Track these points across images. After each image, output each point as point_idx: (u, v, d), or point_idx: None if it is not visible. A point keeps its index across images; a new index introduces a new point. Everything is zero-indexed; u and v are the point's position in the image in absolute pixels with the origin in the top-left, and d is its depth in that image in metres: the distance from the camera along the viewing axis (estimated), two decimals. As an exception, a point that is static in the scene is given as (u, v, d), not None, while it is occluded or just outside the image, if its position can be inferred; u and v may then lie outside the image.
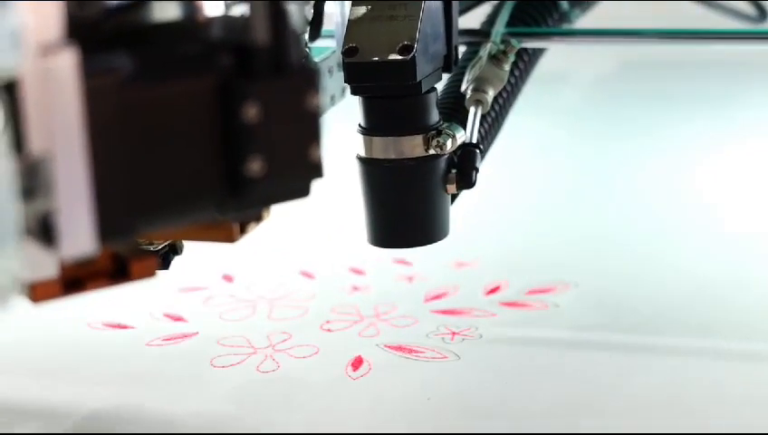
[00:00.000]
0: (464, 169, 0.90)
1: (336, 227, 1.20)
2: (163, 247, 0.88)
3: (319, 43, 0.98)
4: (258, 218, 0.70)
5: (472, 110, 0.94)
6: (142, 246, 0.86)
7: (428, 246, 0.92)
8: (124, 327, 1.00)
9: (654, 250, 1.13)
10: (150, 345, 0.97)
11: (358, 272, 1.09)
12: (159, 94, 0.58)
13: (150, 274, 0.66)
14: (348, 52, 0.87)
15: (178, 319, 1.02)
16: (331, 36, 0.98)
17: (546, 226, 1.22)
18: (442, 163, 0.89)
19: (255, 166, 0.60)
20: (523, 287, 1.04)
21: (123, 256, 0.66)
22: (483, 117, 0.95)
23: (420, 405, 0.85)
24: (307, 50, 0.96)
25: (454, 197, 0.93)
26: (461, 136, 0.90)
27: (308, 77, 0.60)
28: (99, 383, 0.90)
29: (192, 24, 0.61)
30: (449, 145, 0.88)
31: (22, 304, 0.62)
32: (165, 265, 0.89)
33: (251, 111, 0.59)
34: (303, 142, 0.61)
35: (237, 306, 1.04)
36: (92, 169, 0.57)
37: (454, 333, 0.96)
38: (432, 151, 0.88)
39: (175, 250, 0.89)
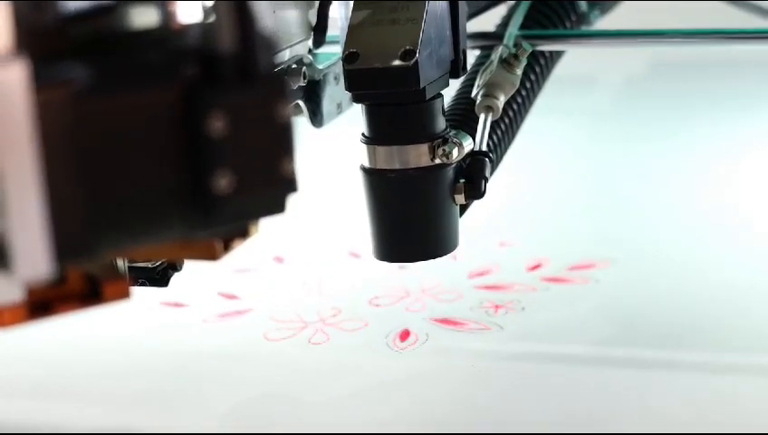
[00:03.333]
0: (472, 178, 0.86)
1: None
2: (161, 264, 0.85)
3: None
4: (244, 234, 0.66)
5: (482, 116, 0.90)
6: (139, 264, 0.85)
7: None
8: (181, 305, 1.04)
9: (680, 256, 1.09)
10: (207, 322, 1.01)
11: None
12: (118, 106, 0.55)
13: (124, 296, 0.63)
14: (348, 58, 0.83)
15: (233, 297, 1.05)
16: (336, 42, 0.94)
17: (570, 226, 1.20)
18: (449, 173, 0.85)
19: (223, 181, 0.56)
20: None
21: (96, 277, 0.63)
22: (495, 124, 0.91)
23: (465, 374, 0.88)
24: (311, 57, 0.93)
25: (464, 208, 0.89)
26: (468, 144, 0.86)
27: (277, 86, 0.56)
28: (161, 354, 0.95)
29: (154, 31, 0.57)
30: (456, 154, 0.84)
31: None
32: (164, 282, 0.86)
33: (217, 123, 0.56)
34: (274, 155, 0.57)
35: (289, 285, 1.08)
36: (47, 187, 0.54)
37: (497, 307, 0.99)
38: (438, 161, 0.85)
39: (174, 266, 0.86)
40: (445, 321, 0.97)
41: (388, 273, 1.06)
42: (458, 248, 1.04)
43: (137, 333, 0.99)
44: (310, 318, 1.00)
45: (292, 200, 0.60)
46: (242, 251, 1.00)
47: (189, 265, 1.02)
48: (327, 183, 1.32)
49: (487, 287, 1.03)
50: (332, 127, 0.95)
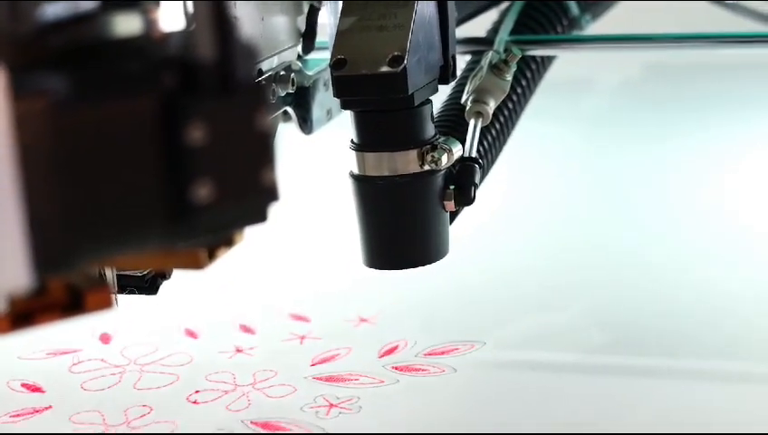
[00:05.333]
0: (462, 184, 0.86)
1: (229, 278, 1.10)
2: (149, 272, 0.85)
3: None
4: (229, 243, 0.66)
5: (472, 122, 0.89)
6: (127, 273, 0.84)
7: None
8: None
9: (676, 264, 1.09)
10: None
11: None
12: (97, 116, 0.54)
13: (106, 306, 0.62)
14: (336, 64, 0.83)
15: (36, 389, 0.93)
16: (325, 48, 0.94)
17: (564, 236, 1.19)
18: (438, 179, 0.85)
19: (203, 191, 0.56)
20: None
21: (78, 287, 0.62)
22: (485, 130, 0.91)
23: None
24: (300, 63, 0.92)
25: (454, 214, 0.89)
26: (458, 150, 0.86)
27: (257, 95, 0.56)
28: None
29: (134, 39, 0.57)
30: (445, 160, 0.84)
31: None
32: (153, 289, 0.86)
33: (196, 133, 0.55)
34: (255, 165, 0.57)
35: (104, 373, 0.95)
36: (26, 197, 0.53)
37: (331, 405, 0.88)
38: (427, 167, 0.84)
39: (163, 275, 0.86)
40: (265, 425, 0.85)
41: (221, 357, 0.96)
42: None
43: None
44: (114, 420, 0.87)
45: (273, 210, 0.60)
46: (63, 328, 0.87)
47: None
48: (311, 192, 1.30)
49: (327, 379, 0.91)
50: (321, 133, 0.95)
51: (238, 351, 0.97)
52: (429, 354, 0.94)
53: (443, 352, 0.94)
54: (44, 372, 0.95)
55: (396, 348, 0.95)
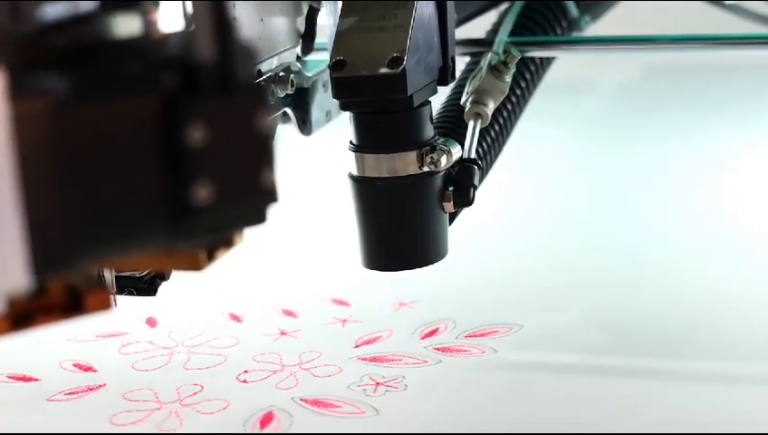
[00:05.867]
0: (461, 186, 0.86)
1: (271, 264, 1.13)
2: (148, 273, 0.85)
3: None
4: (228, 244, 0.66)
5: (471, 123, 0.89)
6: (126, 274, 0.84)
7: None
8: (29, 380, 0.93)
9: (676, 265, 1.09)
10: (51, 400, 0.90)
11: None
12: (97, 117, 0.54)
13: (105, 307, 0.62)
14: (335, 65, 0.83)
15: (88, 369, 0.95)
16: (325, 49, 0.94)
17: (564, 236, 1.19)
18: (437, 181, 0.85)
19: (203, 192, 0.56)
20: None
21: (78, 288, 0.62)
22: (484, 131, 0.91)
23: None
24: (299, 64, 0.92)
25: (453, 215, 0.89)
26: (457, 152, 0.86)
27: (257, 95, 0.56)
28: None
29: (134, 40, 0.57)
30: (444, 162, 0.84)
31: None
32: (152, 290, 0.86)
33: (196, 134, 0.55)
34: (255, 166, 0.57)
35: (154, 354, 0.97)
36: (24, 198, 0.53)
37: (378, 384, 0.89)
38: (426, 168, 0.84)
39: (162, 276, 0.86)
40: (315, 402, 0.87)
41: (266, 340, 0.97)
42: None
43: None
44: (167, 398, 0.89)
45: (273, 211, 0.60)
46: (115, 312, 0.91)
47: (48, 332, 0.93)
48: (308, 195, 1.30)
49: (372, 359, 0.93)
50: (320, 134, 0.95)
51: (282, 333, 0.99)
52: (470, 336, 0.95)
53: (482, 334, 0.96)
54: (95, 353, 0.97)
55: (436, 330, 0.97)
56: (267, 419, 0.85)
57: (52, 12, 0.56)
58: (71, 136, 0.54)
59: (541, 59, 1.00)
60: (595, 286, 1.03)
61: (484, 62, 0.91)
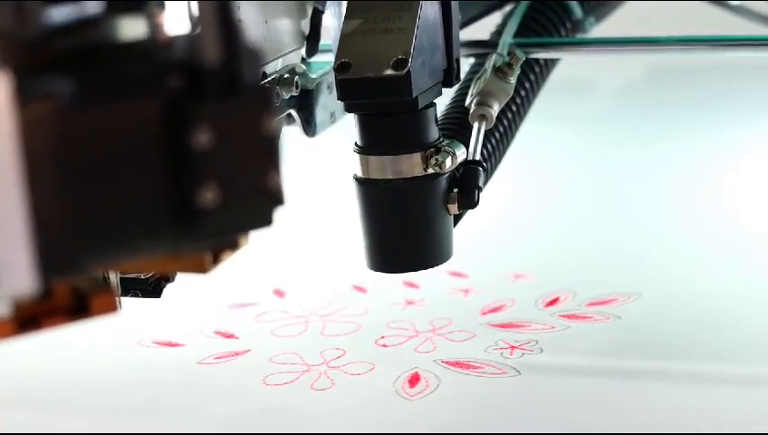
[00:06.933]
0: (466, 188, 0.86)
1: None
2: (153, 275, 0.85)
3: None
4: (234, 246, 0.66)
5: (476, 125, 0.89)
6: (131, 275, 0.84)
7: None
8: (175, 345, 0.98)
9: (679, 266, 1.08)
10: (202, 364, 0.94)
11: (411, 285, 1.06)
12: (103, 120, 0.54)
13: (111, 309, 0.62)
14: (340, 67, 0.82)
15: (230, 336, 0.99)
16: (329, 50, 0.94)
17: (566, 238, 1.19)
18: (442, 182, 0.85)
19: (209, 195, 0.56)
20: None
21: (83, 291, 0.62)
22: (488, 133, 0.91)
23: (481, 423, 0.83)
24: (303, 66, 0.92)
25: (458, 217, 0.89)
26: (461, 153, 0.86)
27: (263, 98, 0.56)
28: (150, 405, 0.88)
29: (140, 43, 0.57)
30: (449, 163, 0.84)
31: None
32: (157, 292, 0.86)
33: (202, 136, 0.55)
34: (261, 168, 0.57)
35: (289, 322, 1.01)
36: (31, 201, 0.53)
37: (513, 347, 0.93)
38: (431, 170, 0.84)
39: (166, 278, 0.86)
40: (457, 363, 0.91)
41: (394, 308, 1.02)
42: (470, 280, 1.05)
43: (124, 376, 0.93)
44: (312, 361, 0.93)
45: (281, 216, 0.60)
46: (240, 283, 1.02)
47: (181, 302, 1.01)
48: (328, 199, 1.30)
49: (502, 326, 0.97)
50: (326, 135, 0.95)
51: (409, 303, 1.03)
52: (592, 304, 0.98)
53: (603, 302, 0.99)
54: (232, 322, 1.02)
55: (558, 299, 1.01)
56: (415, 379, 0.89)
57: (58, 15, 0.56)
58: (77, 139, 0.54)
59: (545, 61, 1.00)
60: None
61: (489, 64, 0.91)
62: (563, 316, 0.98)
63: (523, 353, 0.92)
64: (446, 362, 0.91)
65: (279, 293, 1.07)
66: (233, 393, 0.89)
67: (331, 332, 0.98)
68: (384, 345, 0.95)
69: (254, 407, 0.87)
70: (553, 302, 1.01)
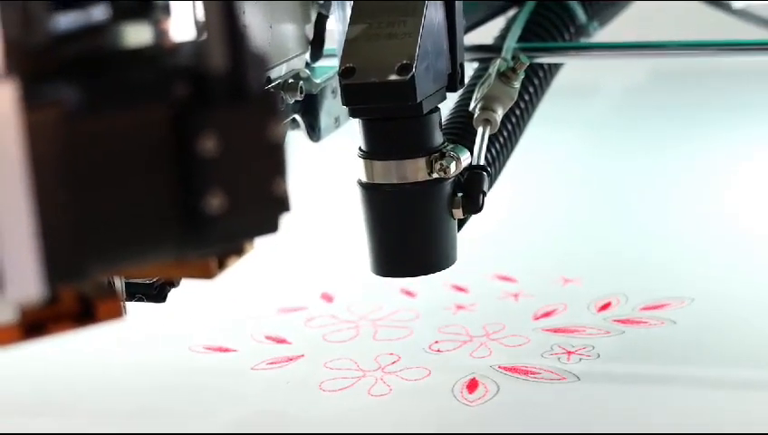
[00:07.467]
0: (470, 192, 0.86)
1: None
2: (158, 280, 0.85)
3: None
4: (239, 252, 0.66)
5: (480, 130, 0.89)
6: (133, 281, 0.84)
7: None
8: (226, 350, 0.98)
9: (680, 268, 1.09)
10: (256, 369, 0.94)
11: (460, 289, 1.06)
12: (109, 126, 0.54)
13: (117, 315, 0.62)
14: (345, 72, 0.82)
15: (281, 341, 0.99)
16: (334, 55, 0.94)
17: (569, 241, 1.19)
18: (447, 187, 0.85)
19: (215, 202, 0.56)
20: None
21: (89, 297, 0.62)
22: (493, 137, 0.91)
23: (543, 430, 0.82)
24: (308, 70, 0.92)
25: (462, 222, 0.89)
26: (466, 158, 0.86)
27: (269, 105, 0.56)
28: (207, 412, 0.88)
29: (145, 50, 0.57)
30: (453, 168, 0.84)
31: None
32: (161, 297, 0.86)
33: (208, 143, 0.55)
34: (267, 175, 0.57)
35: (340, 327, 1.01)
36: (37, 208, 0.53)
37: (569, 353, 0.92)
38: (436, 175, 0.84)
39: (171, 283, 0.86)
40: (514, 369, 0.91)
41: (445, 313, 1.02)
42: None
43: (169, 383, 0.93)
44: (367, 366, 0.93)
45: (289, 220, 0.60)
46: (288, 287, 1.02)
47: (230, 305, 1.02)
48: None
49: (555, 330, 0.97)
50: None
51: (459, 308, 1.03)
52: (645, 309, 0.98)
53: (656, 307, 0.99)
54: (282, 326, 1.01)
55: (609, 304, 1.00)
56: (473, 384, 0.89)
57: (64, 22, 0.56)
58: (83, 145, 0.54)
59: (549, 65, 1.00)
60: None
61: (493, 69, 0.91)
62: (617, 321, 0.97)
63: (580, 359, 0.91)
64: (503, 368, 0.91)
65: (327, 297, 1.07)
66: (290, 399, 0.89)
67: (383, 337, 0.99)
68: (438, 350, 0.95)
69: (312, 414, 0.87)
70: (605, 307, 1.00)
